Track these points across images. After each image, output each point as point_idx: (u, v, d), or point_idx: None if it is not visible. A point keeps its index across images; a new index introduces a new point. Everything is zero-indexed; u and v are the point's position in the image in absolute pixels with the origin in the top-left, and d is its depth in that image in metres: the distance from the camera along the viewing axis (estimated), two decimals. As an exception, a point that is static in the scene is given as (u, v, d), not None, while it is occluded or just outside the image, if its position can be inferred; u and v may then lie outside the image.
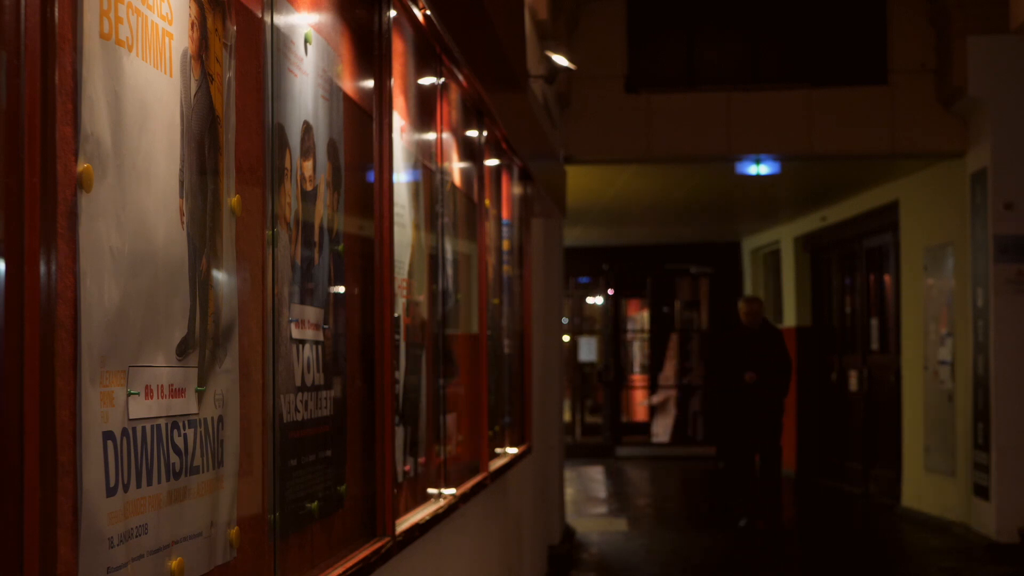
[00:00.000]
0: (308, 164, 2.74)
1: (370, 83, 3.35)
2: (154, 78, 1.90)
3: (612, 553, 10.19)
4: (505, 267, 6.52)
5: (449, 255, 4.65)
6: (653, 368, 19.53)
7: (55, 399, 1.56)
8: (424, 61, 4.18)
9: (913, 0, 10.92)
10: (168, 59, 1.95)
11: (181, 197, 1.99)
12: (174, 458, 1.96)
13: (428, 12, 3.74)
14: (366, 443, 3.29)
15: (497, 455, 5.99)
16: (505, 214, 6.55)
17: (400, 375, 3.68)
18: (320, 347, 2.81)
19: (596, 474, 16.70)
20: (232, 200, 2.23)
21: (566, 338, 18.19)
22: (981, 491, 10.42)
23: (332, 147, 2.93)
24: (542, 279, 8.73)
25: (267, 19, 2.46)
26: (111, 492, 1.72)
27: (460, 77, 4.70)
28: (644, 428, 19.56)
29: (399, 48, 3.73)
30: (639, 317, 20.62)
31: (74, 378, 1.63)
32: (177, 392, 1.98)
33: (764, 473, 11.38)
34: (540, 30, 8.26)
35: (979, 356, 10.45)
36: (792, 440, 15.97)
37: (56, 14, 1.56)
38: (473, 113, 5.28)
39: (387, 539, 3.29)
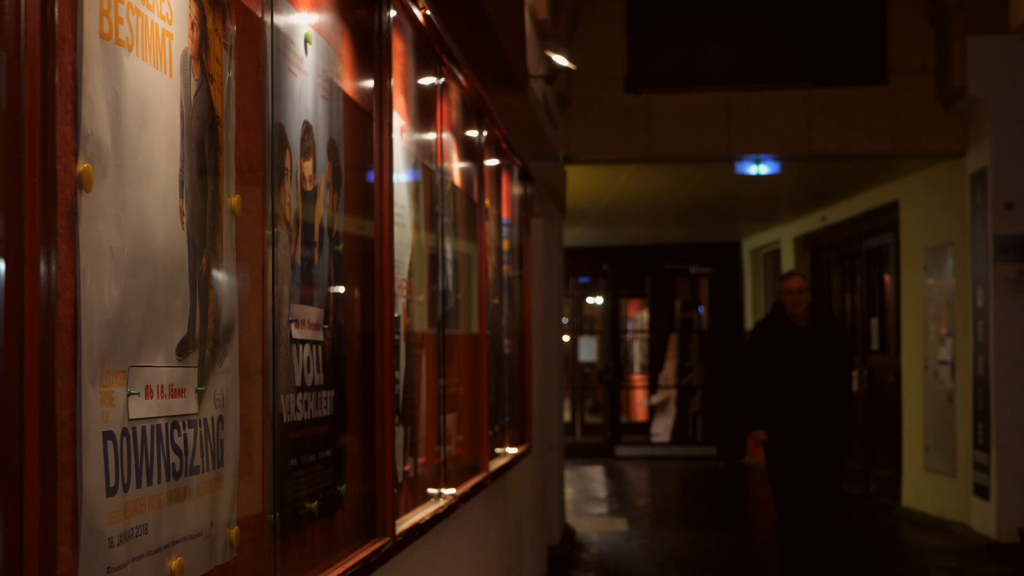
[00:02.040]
0: (308, 164, 2.74)
1: (370, 83, 3.35)
2: (154, 78, 1.90)
3: (612, 553, 10.19)
4: (505, 267, 6.52)
5: (449, 255, 4.65)
6: (653, 368, 19.54)
7: (55, 399, 1.56)
8: (424, 61, 4.18)
9: (913, 0, 10.92)
10: (168, 59, 1.95)
11: (181, 197, 1.99)
12: (174, 458, 1.96)
13: (428, 12, 3.74)
14: (366, 443, 3.29)
15: (497, 455, 5.99)
16: (505, 214, 6.55)
17: (400, 375, 3.68)
18: (320, 347, 2.81)
19: (596, 474, 16.71)
20: (232, 200, 2.23)
21: (566, 338, 18.20)
22: (981, 491, 10.42)
23: (332, 147, 2.93)
24: (542, 279, 8.73)
25: (267, 19, 2.46)
26: (111, 492, 1.72)
27: (460, 77, 4.70)
28: (644, 428, 19.57)
29: (399, 48, 3.73)
30: (639, 317, 20.63)
31: (74, 378, 1.63)
32: (177, 392, 1.98)
33: (824, 531, 7.77)
34: (540, 30, 8.26)
35: (979, 356, 10.45)
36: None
37: (56, 14, 1.56)
38: (473, 113, 5.28)
39: (387, 539, 3.29)
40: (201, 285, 2.07)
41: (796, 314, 7.85)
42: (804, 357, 7.78)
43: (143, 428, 1.84)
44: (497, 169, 6.18)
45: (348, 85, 3.14)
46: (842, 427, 7.86)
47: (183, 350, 2.00)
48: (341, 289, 3.03)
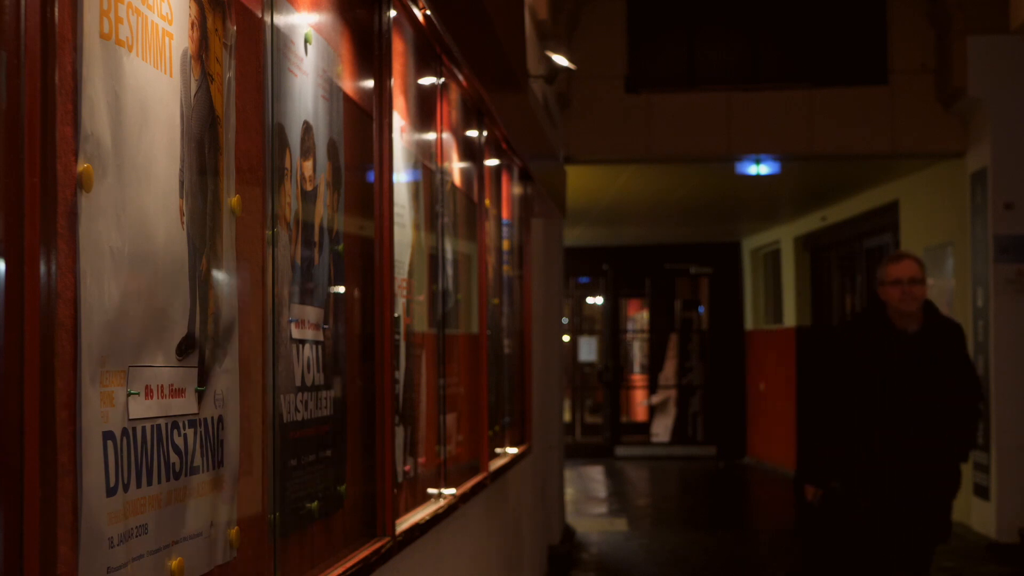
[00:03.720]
0: (308, 164, 2.74)
1: (370, 83, 3.35)
2: (154, 78, 1.90)
3: (612, 553, 10.19)
4: (505, 267, 6.51)
5: (449, 255, 4.65)
6: (653, 368, 19.54)
7: (55, 399, 1.56)
8: (424, 61, 4.18)
9: (913, 0, 10.92)
10: (168, 59, 1.95)
11: (181, 197, 1.99)
12: (174, 458, 1.96)
13: (428, 12, 3.74)
14: (366, 443, 3.29)
15: (497, 455, 5.99)
16: (505, 214, 6.55)
17: (400, 375, 3.68)
18: (320, 347, 2.81)
19: (596, 474, 16.71)
20: (232, 200, 2.23)
21: (566, 338, 18.20)
22: (981, 491, 10.42)
23: (332, 147, 2.93)
24: (542, 279, 8.73)
25: (267, 19, 2.46)
26: (111, 492, 1.72)
27: (460, 77, 4.70)
28: (644, 428, 19.58)
29: (399, 48, 3.73)
30: (639, 317, 20.63)
31: (74, 378, 1.63)
32: (177, 392, 1.97)
33: None
34: (540, 30, 8.26)
35: (979, 356, 10.45)
36: (792, 440, 15.97)
37: (56, 14, 1.56)
38: (473, 113, 5.28)
39: (387, 539, 3.29)
40: (201, 285, 2.07)
41: (906, 315, 5.40)
42: (913, 379, 5.33)
43: (143, 428, 1.84)
44: (497, 169, 6.18)
45: (348, 85, 3.14)
46: (958, 461, 5.45)
47: (183, 350, 2.00)
48: (341, 289, 3.03)
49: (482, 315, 5.44)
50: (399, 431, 3.63)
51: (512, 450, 6.47)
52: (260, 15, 2.43)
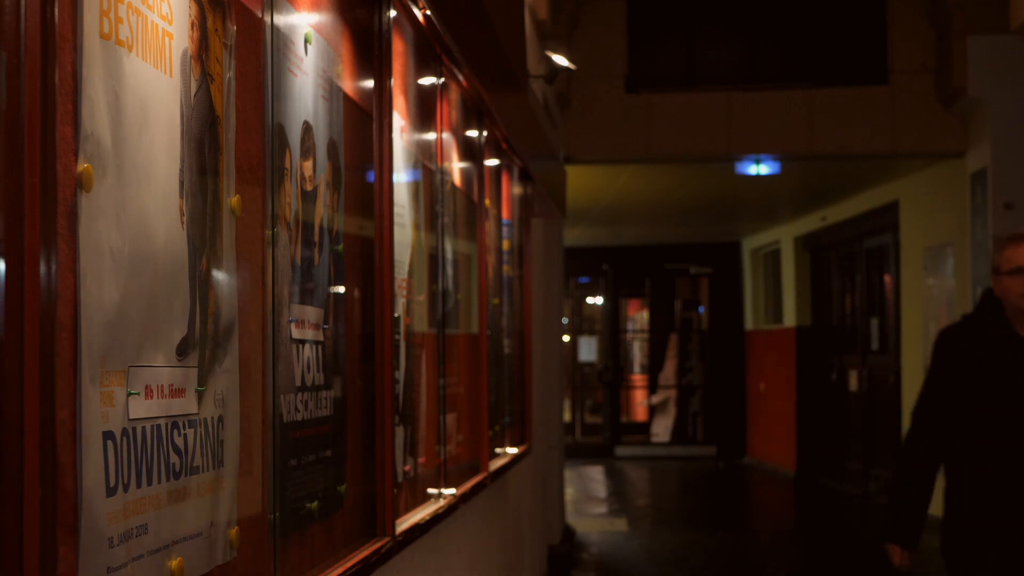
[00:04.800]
0: (308, 164, 2.74)
1: (370, 83, 3.35)
2: (154, 78, 1.90)
3: (612, 553, 10.19)
4: (505, 267, 6.51)
5: (449, 255, 4.65)
6: (653, 368, 19.54)
7: (55, 399, 1.56)
8: (424, 61, 4.18)
9: (913, 0, 10.92)
10: (168, 59, 1.95)
11: (181, 197, 1.99)
12: (174, 458, 1.96)
13: (428, 12, 3.74)
14: (366, 443, 3.29)
15: (497, 455, 5.99)
16: (505, 214, 6.55)
17: (400, 375, 3.68)
18: (320, 347, 2.81)
19: (596, 474, 16.71)
20: (232, 200, 2.23)
21: (566, 338, 18.20)
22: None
23: (332, 147, 2.93)
24: (542, 279, 8.73)
25: (267, 19, 2.46)
26: (111, 492, 1.72)
27: (460, 77, 4.70)
28: (644, 428, 19.58)
29: (399, 48, 3.73)
30: (639, 317, 20.63)
31: (74, 378, 1.63)
32: (177, 392, 1.97)
33: None
34: (540, 30, 8.25)
35: (979, 356, 10.44)
36: (792, 440, 15.97)
37: (56, 14, 1.56)
38: (473, 113, 5.28)
39: (387, 539, 3.29)
40: (201, 285, 2.07)
41: (1019, 310, 4.21)
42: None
43: (143, 428, 1.84)
44: (497, 169, 6.18)
45: (348, 85, 3.14)
46: None
47: (183, 350, 2.00)
48: (341, 289, 3.03)
49: (482, 315, 5.44)
50: (399, 431, 3.63)
51: (512, 450, 6.47)
52: (260, 15, 2.43)
